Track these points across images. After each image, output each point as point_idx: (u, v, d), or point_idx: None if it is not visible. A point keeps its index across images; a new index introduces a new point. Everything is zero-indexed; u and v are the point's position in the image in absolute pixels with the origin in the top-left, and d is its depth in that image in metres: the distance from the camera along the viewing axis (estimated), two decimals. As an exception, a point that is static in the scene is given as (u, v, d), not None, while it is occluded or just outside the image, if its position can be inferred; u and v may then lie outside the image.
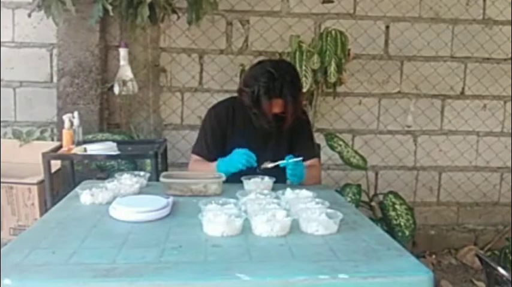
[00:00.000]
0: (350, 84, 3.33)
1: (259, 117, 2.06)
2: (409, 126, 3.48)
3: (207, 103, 3.18)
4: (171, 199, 1.63)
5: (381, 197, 3.12)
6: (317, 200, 1.60)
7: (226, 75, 3.29)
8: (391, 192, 3.02)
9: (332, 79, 2.84)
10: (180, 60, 3.28)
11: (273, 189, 1.81)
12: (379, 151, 3.48)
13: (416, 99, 3.46)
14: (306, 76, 2.78)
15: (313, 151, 2.28)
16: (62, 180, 2.78)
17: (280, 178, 1.96)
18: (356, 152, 3.09)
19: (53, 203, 1.96)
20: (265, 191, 1.73)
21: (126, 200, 1.59)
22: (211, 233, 1.36)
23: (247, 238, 1.34)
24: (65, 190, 2.51)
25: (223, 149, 2.10)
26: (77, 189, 1.80)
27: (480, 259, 1.82)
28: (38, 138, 3.09)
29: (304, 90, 2.78)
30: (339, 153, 3.02)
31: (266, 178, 1.89)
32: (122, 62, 2.95)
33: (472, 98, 3.49)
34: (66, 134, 2.51)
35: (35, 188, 2.59)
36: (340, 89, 3.18)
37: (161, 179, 1.84)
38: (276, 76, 1.98)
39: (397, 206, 2.87)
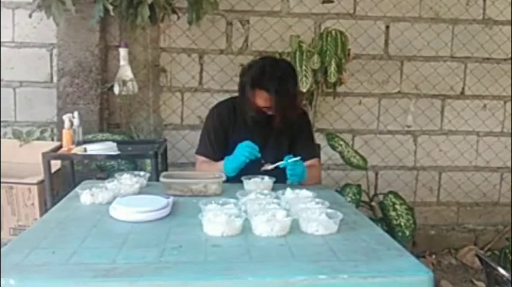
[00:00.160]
0: (350, 84, 3.33)
1: (245, 109, 2.07)
2: (409, 126, 3.48)
3: (207, 103, 3.19)
4: (171, 199, 1.63)
5: (381, 197, 3.12)
6: (317, 200, 1.60)
7: (226, 75, 3.29)
8: (391, 192, 3.02)
9: (332, 79, 2.83)
10: (180, 60, 3.28)
11: (273, 189, 1.81)
12: (379, 151, 3.48)
13: (416, 99, 3.46)
14: (306, 76, 2.78)
15: (313, 151, 2.28)
16: (62, 180, 2.78)
17: (280, 178, 1.96)
18: (356, 152, 3.09)
19: (53, 203, 1.96)
20: (265, 191, 1.73)
21: (126, 200, 1.59)
22: (211, 233, 1.36)
23: (247, 238, 1.34)
24: (65, 190, 2.51)
25: (226, 149, 2.10)
26: (77, 189, 1.80)
27: (480, 259, 1.82)
28: (38, 138, 3.09)
29: (304, 90, 2.79)
30: (340, 153, 3.02)
31: (266, 178, 1.89)
32: (122, 62, 2.95)
33: (472, 98, 3.49)
34: (66, 134, 2.51)
35: (35, 188, 2.58)
36: (340, 89, 3.18)
37: (161, 179, 1.84)
38: (266, 69, 2.00)
39: (397, 206, 2.87)
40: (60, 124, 2.75)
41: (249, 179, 1.88)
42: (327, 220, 1.41)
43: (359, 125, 3.44)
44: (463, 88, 3.47)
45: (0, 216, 2.60)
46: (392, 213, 2.84)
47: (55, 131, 3.16)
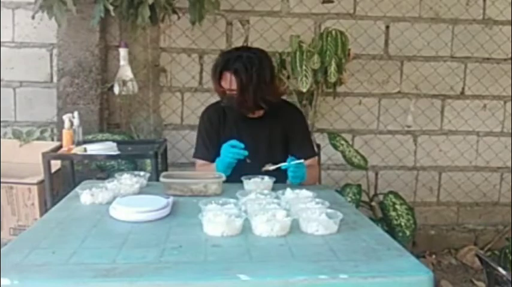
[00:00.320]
0: (350, 84, 3.33)
1: (219, 94, 2.14)
2: (409, 126, 3.48)
3: (207, 103, 3.15)
4: (171, 199, 1.63)
5: (381, 197, 3.12)
6: (317, 200, 1.60)
7: (226, 75, 3.28)
8: (391, 192, 3.02)
9: (332, 79, 2.83)
10: (180, 60, 3.28)
11: (273, 189, 1.81)
12: (379, 151, 3.48)
13: (416, 99, 3.46)
14: (306, 76, 2.78)
15: (310, 150, 2.28)
16: (62, 180, 2.78)
17: (280, 178, 1.96)
18: (357, 151, 3.09)
19: (53, 203, 1.96)
20: (265, 191, 1.73)
21: (126, 200, 1.59)
22: (211, 233, 1.36)
23: (247, 238, 1.34)
24: (65, 190, 2.51)
25: (219, 151, 2.11)
26: (77, 189, 1.80)
27: (480, 259, 1.82)
28: (38, 138, 3.09)
29: (304, 90, 2.79)
30: (342, 152, 3.02)
31: (266, 178, 1.89)
32: (122, 62, 2.95)
33: (472, 98, 3.49)
34: (66, 134, 2.51)
35: (35, 188, 2.59)
36: (340, 89, 3.18)
37: (161, 179, 1.84)
38: (233, 52, 2.11)
39: (398, 206, 2.87)
40: (60, 124, 2.75)
41: (249, 179, 1.89)
42: (327, 220, 1.41)
43: (359, 125, 3.44)
44: (463, 88, 3.47)
45: (0, 216, 2.60)
46: (393, 213, 2.84)
47: (55, 131, 3.16)
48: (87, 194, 1.69)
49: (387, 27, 3.37)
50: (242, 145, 1.96)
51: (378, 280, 1.12)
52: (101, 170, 2.83)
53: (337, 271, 1.13)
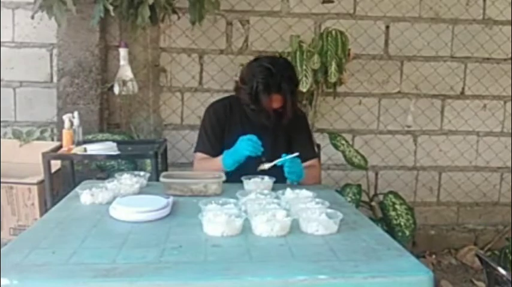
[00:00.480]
0: (350, 84, 3.33)
1: (258, 114, 2.07)
2: (409, 126, 3.48)
3: (207, 103, 3.15)
4: (171, 199, 1.63)
5: (381, 197, 3.12)
6: (317, 200, 1.60)
7: (226, 75, 3.29)
8: (391, 192, 3.02)
9: (332, 79, 2.83)
10: (180, 60, 3.28)
11: (273, 189, 1.81)
12: (379, 151, 3.48)
13: (416, 99, 3.46)
14: (306, 76, 2.78)
15: (312, 152, 2.28)
16: (62, 180, 2.78)
17: (280, 178, 1.96)
18: (357, 151, 3.09)
19: (53, 203, 1.96)
20: (265, 191, 1.73)
21: (126, 200, 1.59)
22: (211, 233, 1.36)
23: (247, 238, 1.34)
24: (65, 190, 2.51)
25: (222, 147, 2.10)
26: (77, 189, 1.80)
27: (480, 259, 1.82)
28: (38, 138, 3.09)
29: (304, 90, 2.79)
30: (342, 152, 3.03)
31: (266, 178, 1.89)
32: (122, 62, 2.95)
33: (472, 98, 3.49)
34: (66, 134, 2.51)
35: (35, 188, 2.58)
36: (340, 89, 3.18)
37: (161, 179, 1.84)
38: (273, 72, 2.00)
39: (397, 206, 2.87)
40: (60, 124, 2.75)
41: (249, 179, 1.88)
42: (327, 220, 1.41)
43: (359, 125, 3.44)
44: (463, 88, 3.48)
45: (0, 216, 2.60)
46: (392, 213, 2.84)
47: (55, 131, 3.16)
48: (87, 194, 1.69)
49: (387, 27, 3.37)
50: (260, 142, 1.95)
51: (378, 280, 1.12)
52: (101, 170, 2.83)
53: (337, 271, 1.13)
